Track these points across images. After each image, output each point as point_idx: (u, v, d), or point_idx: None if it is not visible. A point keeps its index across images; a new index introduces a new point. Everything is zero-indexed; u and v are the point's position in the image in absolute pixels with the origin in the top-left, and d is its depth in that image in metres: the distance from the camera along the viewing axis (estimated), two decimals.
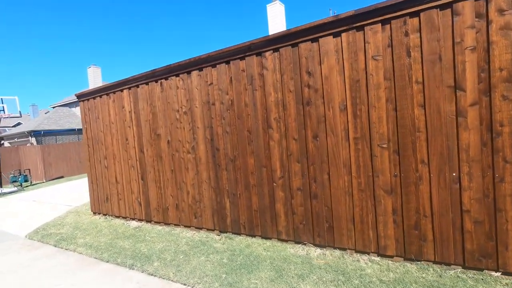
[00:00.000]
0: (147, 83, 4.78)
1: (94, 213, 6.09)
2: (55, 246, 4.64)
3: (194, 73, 4.19)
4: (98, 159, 5.78)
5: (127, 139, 5.20)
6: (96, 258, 3.98)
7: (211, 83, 4.04)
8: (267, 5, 16.24)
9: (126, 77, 5.04)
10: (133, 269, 3.54)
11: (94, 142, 5.81)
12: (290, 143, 3.46)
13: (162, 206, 4.81)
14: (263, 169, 3.69)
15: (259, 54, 3.60)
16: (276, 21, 15.97)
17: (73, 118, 23.92)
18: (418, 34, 2.71)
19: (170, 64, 4.38)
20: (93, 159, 5.90)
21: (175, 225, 4.72)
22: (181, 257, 3.63)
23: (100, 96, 5.57)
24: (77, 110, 25.06)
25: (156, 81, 4.65)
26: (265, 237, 3.79)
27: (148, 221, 5.08)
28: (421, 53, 2.70)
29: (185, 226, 4.59)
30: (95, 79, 26.00)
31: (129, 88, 5.04)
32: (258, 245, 3.70)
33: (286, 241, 3.64)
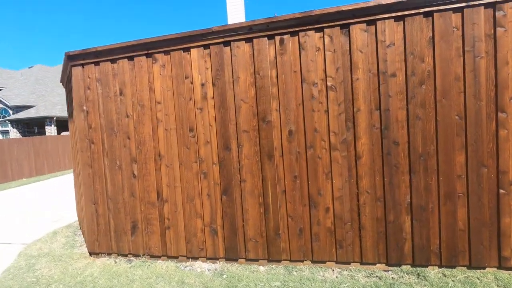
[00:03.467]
0: (248, 40, 3.00)
1: (95, 254, 3.64)
2: None
3: (357, 28, 2.76)
4: (114, 164, 3.46)
5: (192, 130, 3.20)
6: None
7: (391, 44, 2.70)
8: None
9: (196, 29, 3.11)
10: None
11: (108, 134, 3.47)
12: None
13: (267, 234, 3.07)
14: (483, 170, 2.60)
15: (489, 6, 2.52)
16: None
17: None
18: None
19: (310, 12, 2.80)
20: (100, 163, 3.51)
21: (292, 261, 3.06)
22: None
23: (130, 58, 3.34)
24: None
25: (271, 37, 2.95)
26: (475, 266, 2.68)
27: (232, 259, 3.21)
28: None
29: (315, 262, 3.01)
30: None
31: (204, 47, 3.12)
32: (478, 281, 2.55)
33: None
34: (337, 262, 2.97)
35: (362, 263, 2.91)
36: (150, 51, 3.25)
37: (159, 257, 3.43)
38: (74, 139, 4.77)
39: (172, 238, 3.34)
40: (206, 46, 3.11)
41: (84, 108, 3.53)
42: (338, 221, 2.91)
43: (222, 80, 3.09)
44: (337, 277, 2.84)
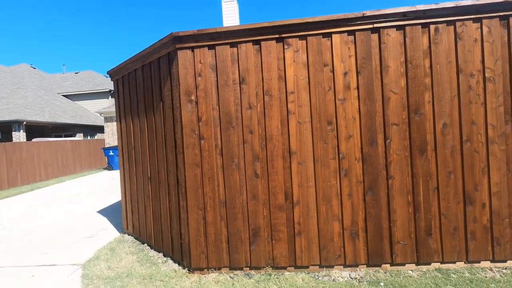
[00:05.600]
0: (399, 27, 2.83)
1: (200, 269, 3.09)
2: None
3: None
4: (231, 162, 3.00)
5: (330, 123, 2.90)
6: None
7: None
8: None
9: (331, 15, 2.86)
10: None
11: (224, 128, 3.01)
12: None
13: (417, 235, 2.85)
14: None
15: None
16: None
17: None
18: None
19: (454, 1, 2.72)
20: (212, 162, 3.03)
21: (443, 262, 2.87)
22: None
23: (255, 42, 2.96)
24: None
25: (424, 26, 2.81)
26: None
27: (375, 265, 2.92)
28: None
29: (470, 262, 2.85)
30: None
31: (348, 33, 2.87)
32: None
33: None
34: (492, 261, 2.84)
35: None
36: (282, 35, 2.91)
37: (284, 268, 3.00)
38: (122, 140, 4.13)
39: (303, 245, 2.95)
40: (350, 32, 2.87)
41: (193, 98, 3.04)
42: (496, 218, 2.80)
43: (369, 69, 2.86)
44: (501, 276, 2.71)
